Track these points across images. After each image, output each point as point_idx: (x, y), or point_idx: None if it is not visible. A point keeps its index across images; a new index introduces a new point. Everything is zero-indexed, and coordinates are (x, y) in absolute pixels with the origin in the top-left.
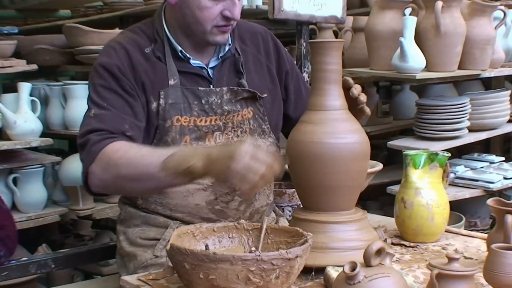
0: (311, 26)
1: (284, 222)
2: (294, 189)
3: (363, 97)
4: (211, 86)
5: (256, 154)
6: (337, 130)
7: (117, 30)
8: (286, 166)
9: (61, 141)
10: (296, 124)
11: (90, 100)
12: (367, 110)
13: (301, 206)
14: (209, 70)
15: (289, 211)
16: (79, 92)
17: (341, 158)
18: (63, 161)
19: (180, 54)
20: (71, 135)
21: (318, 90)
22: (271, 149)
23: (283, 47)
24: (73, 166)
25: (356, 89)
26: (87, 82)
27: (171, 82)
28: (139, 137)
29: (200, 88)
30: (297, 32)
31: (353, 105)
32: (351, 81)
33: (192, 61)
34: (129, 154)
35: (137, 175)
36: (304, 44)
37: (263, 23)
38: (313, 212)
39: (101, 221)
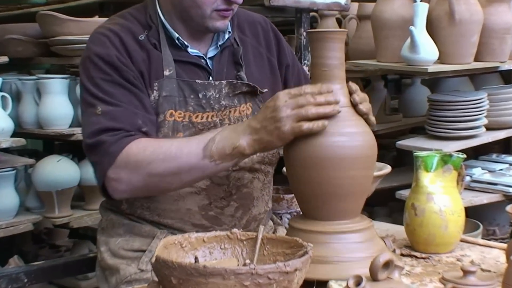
0: (311, 14)
1: (282, 232)
2: (293, 195)
3: (365, 107)
4: (210, 78)
5: (297, 100)
6: (340, 129)
7: (97, 19)
8: (284, 169)
9: (35, 141)
10: None
11: (90, 95)
12: (372, 120)
13: (301, 213)
14: (207, 60)
15: (288, 219)
16: (55, 87)
17: (345, 160)
18: (37, 164)
19: (176, 41)
20: (46, 135)
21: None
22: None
23: (283, 39)
24: (48, 169)
25: (358, 96)
26: (64, 76)
27: (166, 72)
28: (153, 131)
29: (198, 81)
30: (296, 20)
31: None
32: (354, 86)
33: (189, 50)
34: (162, 148)
35: (176, 168)
36: (304, 33)
37: (259, 10)
38: (314, 221)
39: (79, 230)
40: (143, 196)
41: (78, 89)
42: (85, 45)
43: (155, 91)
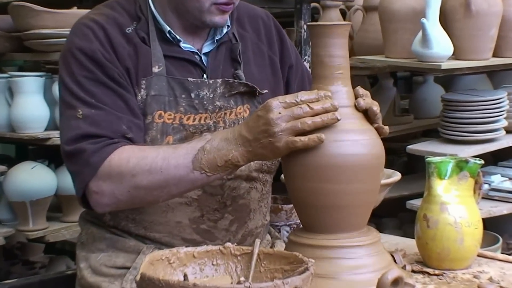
0: (313, 4)
1: (280, 246)
2: (293, 205)
3: (373, 112)
4: (204, 76)
5: (292, 110)
6: (343, 133)
7: (75, 10)
8: (282, 177)
9: (7, 146)
10: None
11: (71, 95)
12: (385, 129)
13: (301, 225)
14: (202, 56)
15: (287, 232)
16: (29, 86)
17: (349, 167)
18: (9, 171)
19: (168, 35)
20: (19, 139)
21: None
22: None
23: (287, 36)
24: (21, 177)
25: (364, 100)
26: (39, 74)
27: (155, 69)
28: (140, 137)
29: (190, 79)
30: (296, 11)
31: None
32: (361, 91)
33: (182, 45)
34: (147, 159)
35: (163, 181)
36: (305, 26)
37: (255, 1)
38: (315, 234)
39: (56, 244)
40: (131, 207)
41: (54, 88)
42: (62, 39)
43: (142, 90)
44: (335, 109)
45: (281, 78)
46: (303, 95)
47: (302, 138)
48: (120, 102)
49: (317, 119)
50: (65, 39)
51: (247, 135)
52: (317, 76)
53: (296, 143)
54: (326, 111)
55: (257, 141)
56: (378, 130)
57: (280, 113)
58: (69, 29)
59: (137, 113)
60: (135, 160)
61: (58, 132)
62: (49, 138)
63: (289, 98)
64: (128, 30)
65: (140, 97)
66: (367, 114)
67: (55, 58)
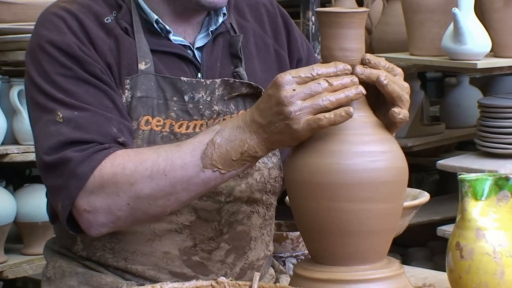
0: None
1: (286, 281)
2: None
3: (393, 89)
4: (199, 74)
5: (309, 87)
6: (357, 144)
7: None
8: (287, 199)
9: None
10: None
11: (45, 96)
12: (402, 114)
13: (309, 256)
14: (195, 51)
15: (293, 264)
16: None
17: (365, 187)
18: None
19: (155, 25)
20: None
21: None
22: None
23: (295, 25)
24: None
25: (369, 61)
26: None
27: (142, 66)
28: (131, 142)
29: (183, 78)
30: (302, 0)
31: (379, 105)
32: (370, 58)
33: (172, 37)
34: (146, 162)
35: (169, 186)
36: (313, 18)
37: None
38: (325, 266)
39: (16, 281)
40: (132, 225)
41: (13, 95)
42: (21, 35)
43: (126, 91)
44: (356, 83)
45: None
46: (320, 68)
47: (327, 114)
48: (107, 101)
49: (341, 94)
50: (24, 35)
51: (260, 119)
52: None
53: (320, 122)
54: (345, 88)
55: (272, 125)
56: (393, 116)
57: (294, 90)
58: (30, 23)
59: (125, 114)
60: (132, 166)
61: (17, 147)
62: (7, 154)
63: (303, 71)
64: (106, 20)
65: (124, 99)
66: (383, 104)
67: (12, 58)
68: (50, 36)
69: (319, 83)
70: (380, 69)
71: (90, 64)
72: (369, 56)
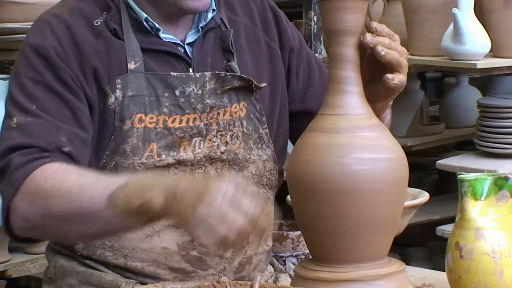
0: None
1: (286, 281)
2: (300, 232)
3: (393, 57)
4: (190, 70)
5: (237, 199)
6: (360, 145)
7: (46, 0)
8: (289, 198)
9: None
10: (302, 134)
11: (11, 101)
12: (396, 79)
13: (310, 256)
14: (186, 47)
15: (293, 264)
16: None
17: (366, 187)
18: None
19: (145, 24)
20: None
21: (332, 81)
22: (259, 198)
23: (285, 17)
24: None
25: (376, 29)
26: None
27: (131, 65)
28: (83, 153)
29: (173, 73)
30: (304, 0)
31: (372, 72)
32: (374, 24)
33: (162, 35)
34: (65, 183)
35: (74, 213)
36: (315, 18)
37: None
38: (326, 266)
39: (19, 280)
40: (46, 239)
41: None
42: None
43: (118, 91)
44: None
45: (282, 68)
46: None
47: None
48: (66, 111)
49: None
50: None
51: (180, 189)
52: (330, 64)
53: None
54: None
55: (182, 198)
56: (385, 81)
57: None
58: None
59: (84, 125)
60: (53, 181)
61: None
62: None
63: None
64: (96, 23)
65: (114, 98)
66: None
67: None
68: (32, 40)
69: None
70: (384, 36)
71: (62, 70)
72: (375, 24)
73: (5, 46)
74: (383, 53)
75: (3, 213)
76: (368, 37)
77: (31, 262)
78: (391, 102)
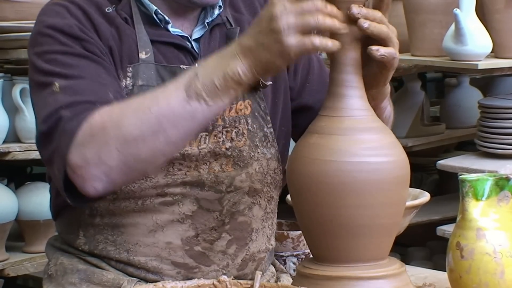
0: None
1: (287, 281)
2: (301, 232)
3: (381, 30)
4: (197, 64)
5: (301, 4)
6: (362, 146)
7: None
8: (289, 198)
9: None
10: (302, 135)
11: (44, 74)
12: (383, 50)
13: (310, 255)
14: (193, 42)
15: (294, 264)
16: None
17: (367, 187)
18: None
19: (154, 17)
20: None
21: (333, 84)
22: None
23: None
24: None
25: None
26: None
27: (143, 55)
28: None
29: (182, 66)
30: None
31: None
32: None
33: (171, 28)
34: (132, 104)
35: (155, 122)
36: None
37: None
38: (327, 265)
39: (17, 279)
40: (132, 177)
41: (15, 93)
42: (25, 34)
43: (128, 78)
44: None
45: (285, 68)
46: None
47: (318, 38)
48: (105, 75)
49: (330, 20)
50: (27, 33)
51: (247, 41)
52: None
53: (308, 42)
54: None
55: (260, 45)
56: (369, 53)
57: (285, 6)
58: (33, 21)
59: (122, 92)
60: (118, 110)
61: (19, 145)
62: (9, 152)
63: None
64: (108, 10)
65: (124, 86)
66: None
67: (15, 56)
68: (51, 21)
69: (312, 1)
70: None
71: (91, 43)
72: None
73: None
74: (365, 25)
75: (60, 173)
76: (354, 8)
77: (28, 261)
78: (388, 90)
